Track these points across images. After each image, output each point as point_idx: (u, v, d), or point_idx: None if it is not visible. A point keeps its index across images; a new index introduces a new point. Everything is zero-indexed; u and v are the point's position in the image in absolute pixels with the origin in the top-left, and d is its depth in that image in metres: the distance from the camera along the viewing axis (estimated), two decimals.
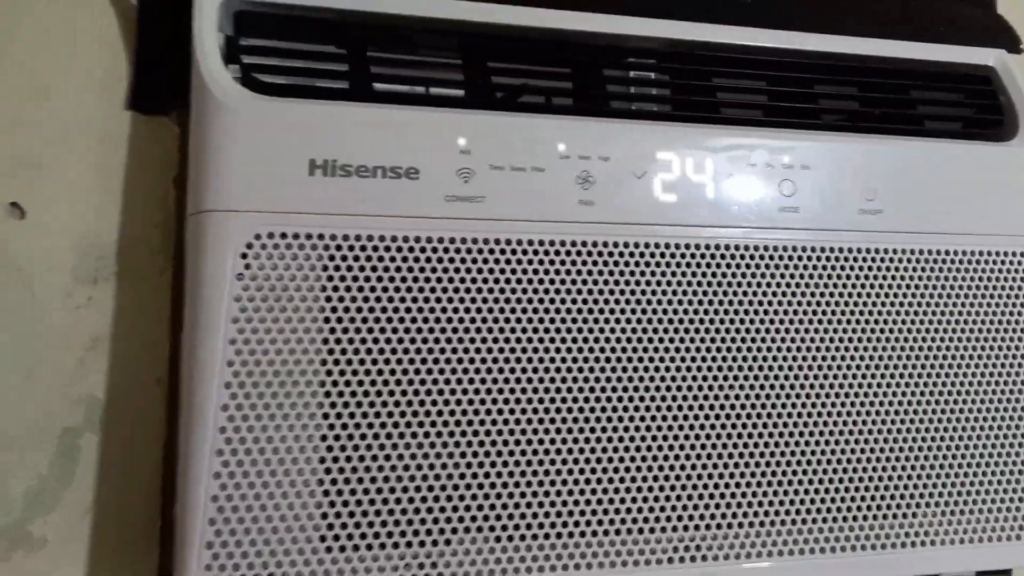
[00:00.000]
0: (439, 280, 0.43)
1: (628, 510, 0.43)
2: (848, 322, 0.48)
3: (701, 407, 0.45)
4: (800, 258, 0.48)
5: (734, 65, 0.52)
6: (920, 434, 0.49)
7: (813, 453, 0.47)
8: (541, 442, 0.43)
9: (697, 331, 0.46)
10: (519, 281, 0.44)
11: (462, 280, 0.43)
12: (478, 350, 0.43)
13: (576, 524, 0.43)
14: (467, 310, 0.43)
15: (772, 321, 0.47)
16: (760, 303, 0.47)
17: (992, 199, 0.52)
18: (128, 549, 0.45)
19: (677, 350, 0.45)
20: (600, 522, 0.43)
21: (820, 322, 0.48)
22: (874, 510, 0.47)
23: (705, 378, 0.46)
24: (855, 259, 0.49)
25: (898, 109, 0.54)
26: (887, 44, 0.56)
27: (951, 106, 0.57)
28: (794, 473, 0.46)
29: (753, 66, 0.52)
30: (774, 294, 0.47)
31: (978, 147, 0.53)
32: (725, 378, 0.46)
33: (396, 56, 0.47)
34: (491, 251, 0.44)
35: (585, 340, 0.44)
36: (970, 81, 0.57)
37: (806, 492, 0.46)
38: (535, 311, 0.44)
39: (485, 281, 0.43)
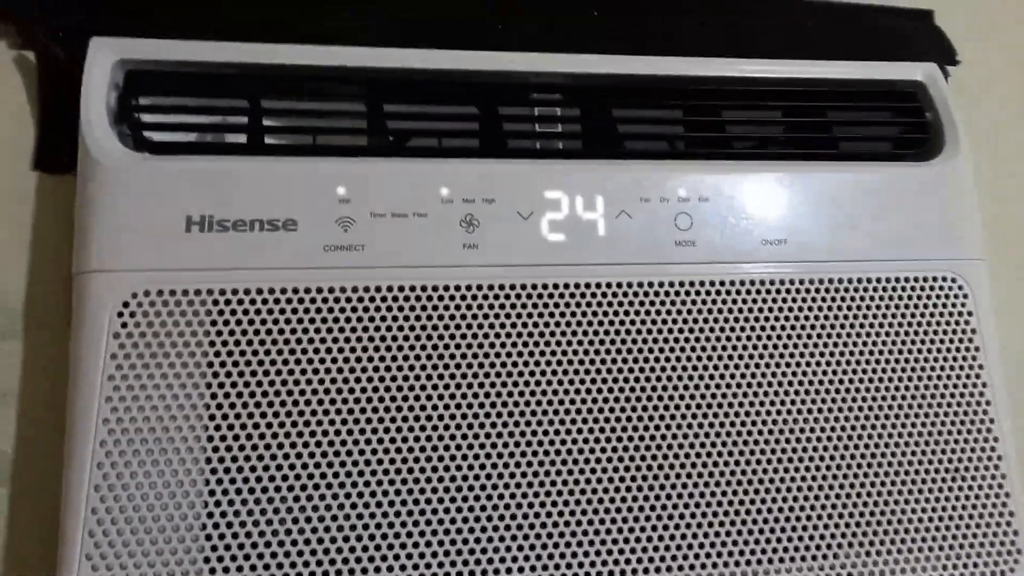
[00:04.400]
0: (316, 331, 0.43)
1: (525, 544, 0.43)
2: (752, 356, 0.47)
3: (596, 449, 0.44)
4: (698, 292, 0.47)
5: (636, 96, 0.51)
6: (844, 465, 0.47)
7: (731, 492, 0.45)
8: (416, 481, 0.42)
9: (587, 372, 0.45)
10: (400, 328, 0.44)
11: (340, 330, 0.43)
12: (357, 400, 0.43)
13: (460, 553, 0.42)
14: (346, 360, 0.43)
15: (668, 359, 0.46)
16: (656, 340, 0.46)
17: (911, 222, 0.51)
18: None
19: (567, 392, 0.45)
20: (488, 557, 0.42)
21: (713, 357, 0.47)
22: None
23: (596, 420, 0.45)
24: (756, 292, 0.48)
25: (814, 133, 0.53)
26: (805, 65, 0.54)
27: (873, 126, 0.55)
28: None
29: (656, 96, 0.52)
30: (669, 331, 0.46)
31: (895, 169, 0.52)
32: (618, 419, 0.45)
33: (287, 107, 0.48)
34: (372, 299, 0.44)
35: (469, 386, 0.44)
36: (896, 99, 0.55)
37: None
38: (416, 358, 0.44)
39: (365, 330, 0.43)
